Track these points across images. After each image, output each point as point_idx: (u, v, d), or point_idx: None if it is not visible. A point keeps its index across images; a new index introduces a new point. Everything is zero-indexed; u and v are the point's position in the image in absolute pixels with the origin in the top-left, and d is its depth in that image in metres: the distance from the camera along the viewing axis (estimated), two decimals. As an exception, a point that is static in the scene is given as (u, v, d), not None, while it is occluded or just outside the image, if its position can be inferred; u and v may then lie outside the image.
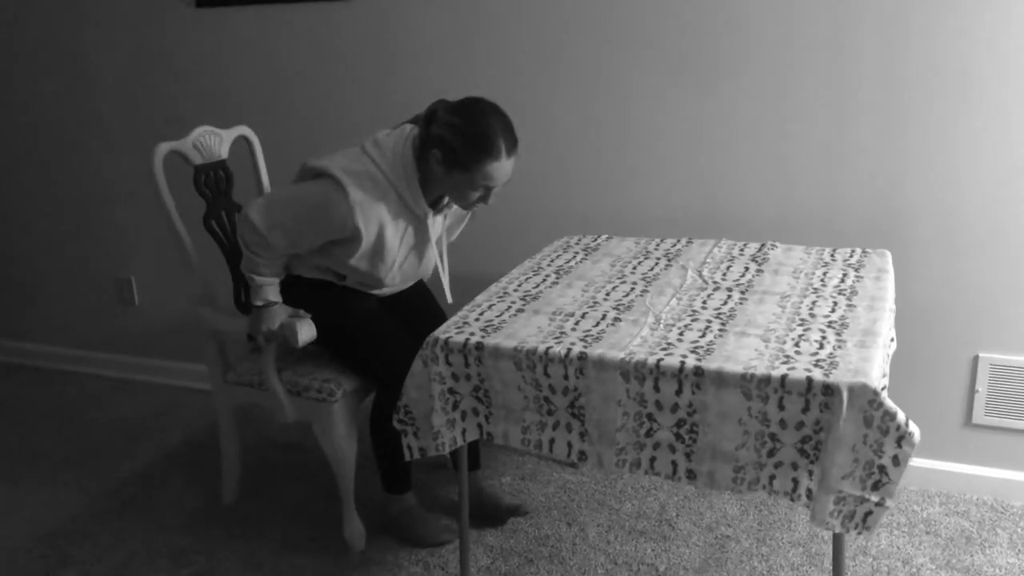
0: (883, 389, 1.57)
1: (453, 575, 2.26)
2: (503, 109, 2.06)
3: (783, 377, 1.59)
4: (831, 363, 1.63)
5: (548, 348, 1.76)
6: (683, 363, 1.66)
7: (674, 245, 2.42)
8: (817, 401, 1.57)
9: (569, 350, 1.74)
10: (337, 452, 2.32)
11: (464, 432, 1.90)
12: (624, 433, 1.73)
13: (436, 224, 2.26)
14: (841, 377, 1.57)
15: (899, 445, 1.56)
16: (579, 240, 2.52)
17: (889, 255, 2.22)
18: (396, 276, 2.28)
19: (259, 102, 3.03)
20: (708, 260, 2.26)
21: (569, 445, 1.81)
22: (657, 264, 2.26)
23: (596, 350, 1.73)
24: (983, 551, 2.25)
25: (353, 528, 2.39)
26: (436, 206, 2.23)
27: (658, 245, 2.42)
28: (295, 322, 2.19)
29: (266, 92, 3.02)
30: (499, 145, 2.01)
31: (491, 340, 1.82)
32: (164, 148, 2.40)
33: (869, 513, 1.61)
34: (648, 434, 1.72)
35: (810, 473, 1.63)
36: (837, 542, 1.71)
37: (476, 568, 2.28)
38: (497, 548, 2.36)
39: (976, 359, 2.43)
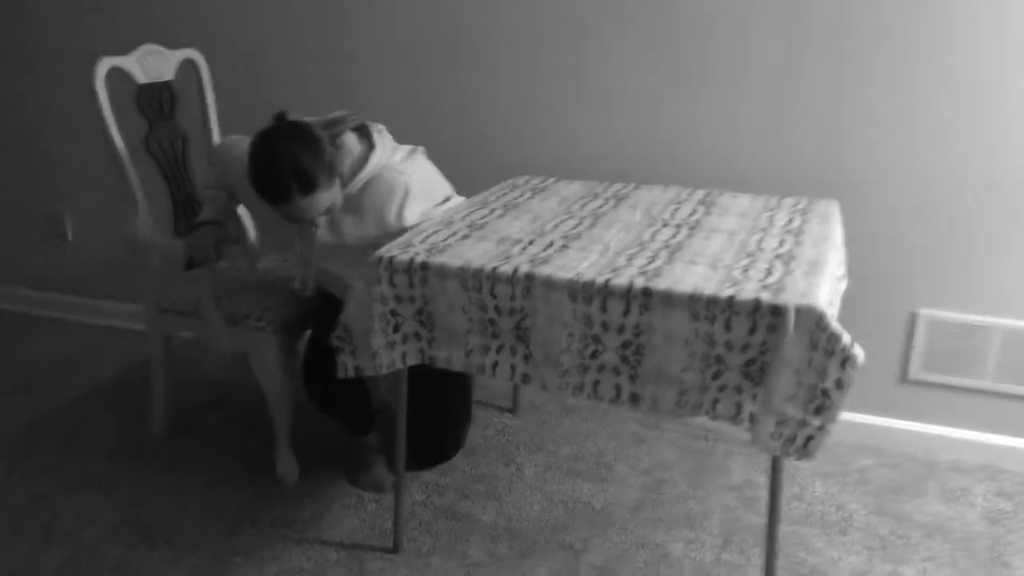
0: (830, 315, 1.57)
1: (388, 507, 2.22)
2: (306, 135, 1.94)
3: (731, 298, 1.58)
4: (779, 287, 1.63)
5: (495, 268, 1.73)
6: (631, 284, 1.64)
7: (622, 188, 2.40)
8: (764, 322, 1.57)
9: (516, 269, 1.71)
10: (273, 383, 2.27)
11: (404, 356, 1.86)
12: (568, 355, 1.71)
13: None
14: (789, 299, 1.57)
15: (843, 367, 1.56)
16: (527, 181, 2.49)
17: (837, 203, 2.23)
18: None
19: (206, 26, 2.92)
20: (656, 202, 2.25)
21: (512, 368, 1.78)
22: (606, 204, 2.24)
23: (544, 270, 1.71)
24: (913, 500, 2.29)
25: (286, 463, 2.33)
26: None
27: (607, 188, 2.41)
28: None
29: (214, 15, 2.91)
30: (289, 189, 1.90)
31: (437, 259, 1.78)
32: (107, 63, 2.31)
33: (811, 438, 1.61)
34: (593, 356, 1.70)
35: (753, 397, 1.62)
36: (775, 472, 1.71)
37: (411, 502, 2.24)
38: (432, 484, 2.33)
39: (915, 315, 2.46)
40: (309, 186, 1.91)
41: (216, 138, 2.62)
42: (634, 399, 1.70)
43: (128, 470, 2.39)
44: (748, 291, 1.60)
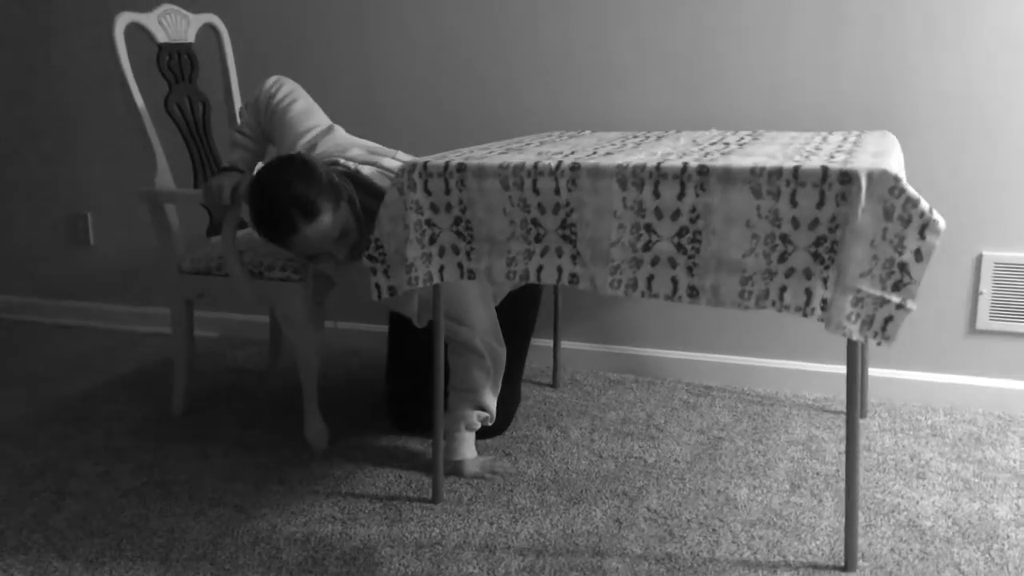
0: (905, 180, 1.44)
1: (426, 465, 2.06)
2: (294, 163, 1.87)
3: (796, 168, 1.45)
4: (846, 160, 1.51)
5: (537, 162, 1.62)
6: (686, 164, 1.52)
7: (661, 136, 2.29)
8: (833, 192, 1.44)
9: (560, 162, 1.60)
10: (301, 337, 2.14)
11: (442, 270, 1.74)
12: (620, 248, 1.58)
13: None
14: (859, 164, 1.44)
15: (922, 236, 1.42)
16: (561, 134, 2.39)
17: (891, 134, 2.11)
18: None
19: None
20: (700, 137, 2.13)
21: (559, 270, 1.65)
22: (647, 139, 2.13)
23: (590, 160, 1.60)
24: (994, 448, 2.10)
25: (315, 427, 2.19)
26: None
27: (647, 135, 2.30)
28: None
29: None
30: (292, 221, 1.81)
31: (475, 160, 1.68)
32: (126, 18, 2.27)
33: (889, 319, 1.46)
34: (646, 247, 1.57)
35: (824, 281, 1.48)
36: (851, 360, 1.56)
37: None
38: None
39: (980, 258, 2.31)
40: (311, 210, 1.81)
41: (238, 103, 2.56)
42: (692, 292, 1.56)
43: (148, 440, 2.25)
44: (814, 162, 1.48)
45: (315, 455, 2.16)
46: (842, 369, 2.45)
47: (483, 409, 2.03)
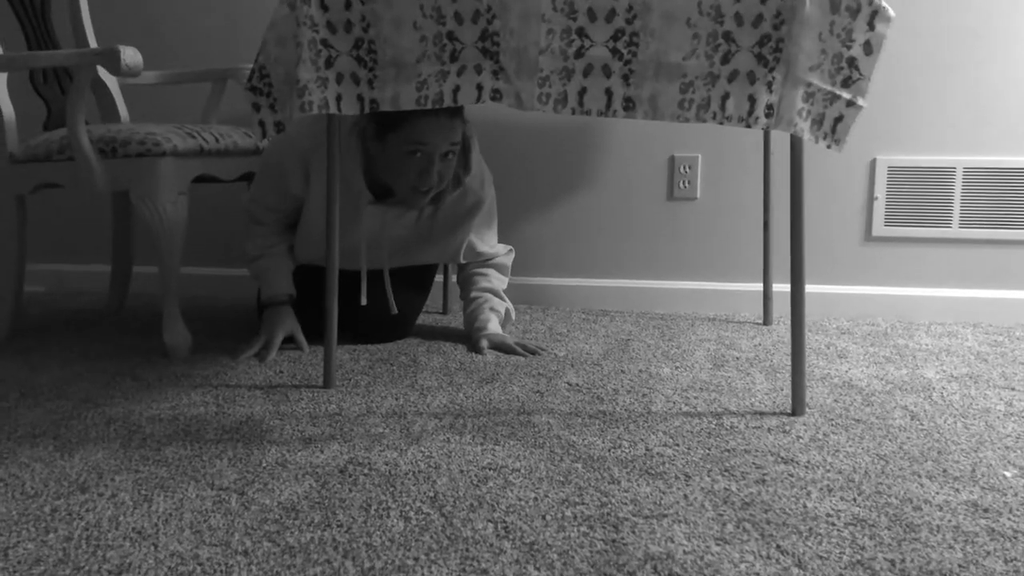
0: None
1: (311, 362, 1.80)
2: None
3: (740, -44, 1.35)
4: (788, -46, 1.42)
5: (453, -34, 1.44)
6: (621, -42, 1.39)
7: None
8: (778, -17, 1.34)
9: (480, -36, 1.44)
10: (162, 220, 1.85)
11: (339, 99, 1.52)
12: (549, 57, 1.42)
13: (377, 216, 1.93)
14: (805, -49, 1.36)
15: (871, 27, 1.35)
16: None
17: None
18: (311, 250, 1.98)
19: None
20: None
21: (479, 88, 1.47)
22: None
23: (513, -39, 1.44)
24: (904, 339, 2.06)
25: (176, 328, 1.89)
26: (382, 197, 1.93)
27: None
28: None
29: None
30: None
31: (380, -31, 1.48)
32: None
33: (839, 118, 1.38)
34: (578, 54, 1.42)
35: (768, 86, 1.37)
36: (795, 157, 1.45)
37: (338, 360, 1.83)
38: (362, 349, 1.94)
39: (874, 162, 2.30)
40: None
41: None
42: (628, 104, 1.42)
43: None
44: (758, -51, 1.38)
45: (174, 360, 1.85)
46: (741, 287, 2.38)
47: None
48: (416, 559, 0.95)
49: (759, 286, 2.34)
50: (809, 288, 2.33)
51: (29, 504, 1.10)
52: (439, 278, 2.41)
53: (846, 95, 1.36)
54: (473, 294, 2.04)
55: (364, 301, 1.93)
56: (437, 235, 1.99)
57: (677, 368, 1.78)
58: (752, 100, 1.39)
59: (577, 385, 1.65)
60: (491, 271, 2.07)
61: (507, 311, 2.05)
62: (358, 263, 1.94)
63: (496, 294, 2.04)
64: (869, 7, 1.33)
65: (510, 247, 2.13)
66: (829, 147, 1.38)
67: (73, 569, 0.93)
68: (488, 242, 2.05)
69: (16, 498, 1.12)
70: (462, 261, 2.05)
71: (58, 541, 0.99)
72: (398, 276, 2.01)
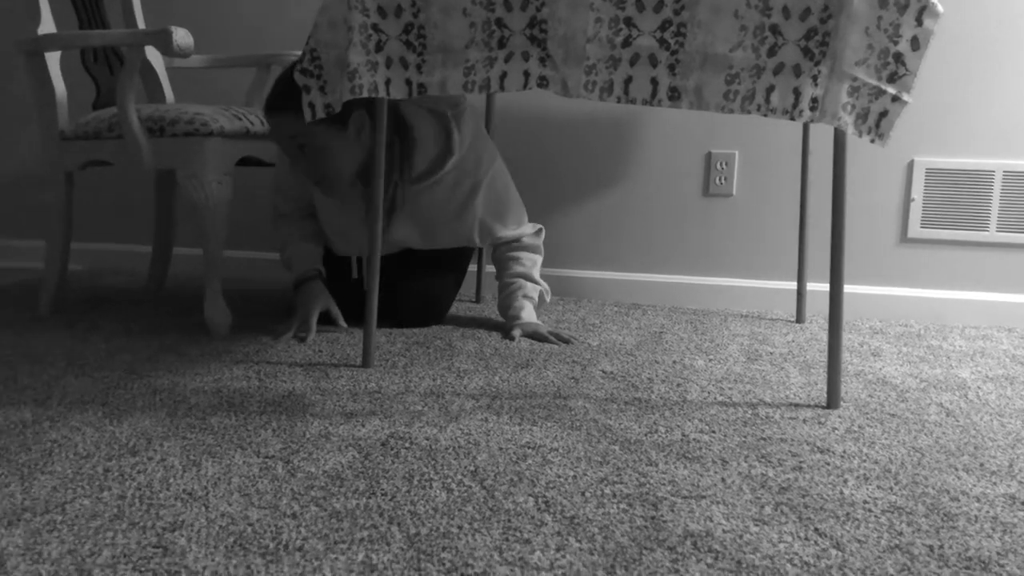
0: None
1: (351, 342, 1.83)
2: None
3: (789, -50, 1.36)
4: (837, -49, 1.43)
5: (504, -46, 1.47)
6: (670, -50, 1.41)
7: None
8: (828, -24, 1.35)
9: (530, -47, 1.46)
10: (208, 199, 1.88)
11: (388, 83, 1.55)
12: (596, 45, 1.44)
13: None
14: (855, -54, 1.37)
15: (919, 22, 1.35)
16: None
17: None
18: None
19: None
20: None
21: (526, 74, 1.50)
22: None
23: (563, -49, 1.46)
24: (937, 340, 2.05)
25: (217, 306, 1.92)
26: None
27: None
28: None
29: None
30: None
31: (432, -44, 1.51)
32: None
33: (884, 113, 1.38)
34: (625, 43, 1.43)
35: (814, 79, 1.38)
36: (838, 151, 1.46)
37: (377, 342, 1.86)
38: (398, 333, 1.96)
39: (911, 164, 2.30)
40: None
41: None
42: (674, 94, 1.44)
43: (14, 335, 1.92)
44: (808, -56, 1.39)
45: (215, 337, 1.89)
46: (774, 284, 2.38)
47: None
48: (460, 527, 0.97)
49: (792, 284, 2.34)
50: (846, 288, 2.34)
51: (83, 464, 1.13)
52: (472, 267, 2.42)
53: (891, 90, 1.37)
54: (506, 279, 2.05)
55: (355, 275, 2.03)
56: (444, 218, 1.98)
57: (711, 360, 1.79)
58: (797, 93, 1.40)
59: (612, 373, 1.66)
60: (523, 253, 2.07)
61: (541, 294, 2.06)
62: (358, 249, 2.01)
63: (529, 278, 2.06)
64: (918, 2, 1.34)
65: (539, 226, 2.12)
66: (873, 141, 1.39)
67: (129, 524, 0.96)
68: (508, 226, 2.05)
69: (70, 458, 1.15)
70: (479, 244, 2.06)
71: (112, 499, 1.02)
72: (430, 258, 2.04)
